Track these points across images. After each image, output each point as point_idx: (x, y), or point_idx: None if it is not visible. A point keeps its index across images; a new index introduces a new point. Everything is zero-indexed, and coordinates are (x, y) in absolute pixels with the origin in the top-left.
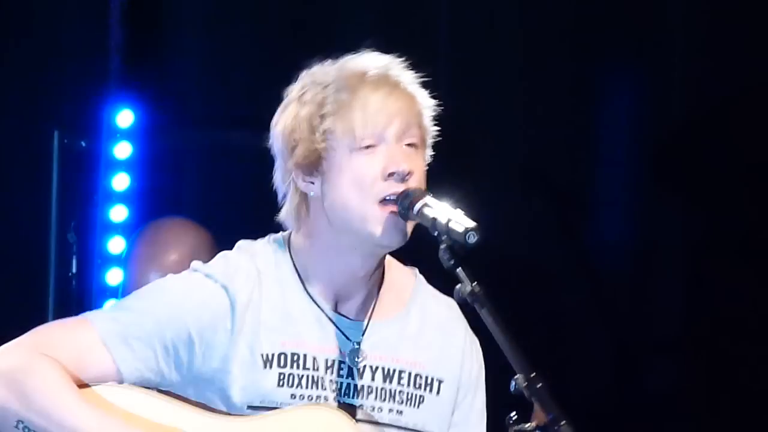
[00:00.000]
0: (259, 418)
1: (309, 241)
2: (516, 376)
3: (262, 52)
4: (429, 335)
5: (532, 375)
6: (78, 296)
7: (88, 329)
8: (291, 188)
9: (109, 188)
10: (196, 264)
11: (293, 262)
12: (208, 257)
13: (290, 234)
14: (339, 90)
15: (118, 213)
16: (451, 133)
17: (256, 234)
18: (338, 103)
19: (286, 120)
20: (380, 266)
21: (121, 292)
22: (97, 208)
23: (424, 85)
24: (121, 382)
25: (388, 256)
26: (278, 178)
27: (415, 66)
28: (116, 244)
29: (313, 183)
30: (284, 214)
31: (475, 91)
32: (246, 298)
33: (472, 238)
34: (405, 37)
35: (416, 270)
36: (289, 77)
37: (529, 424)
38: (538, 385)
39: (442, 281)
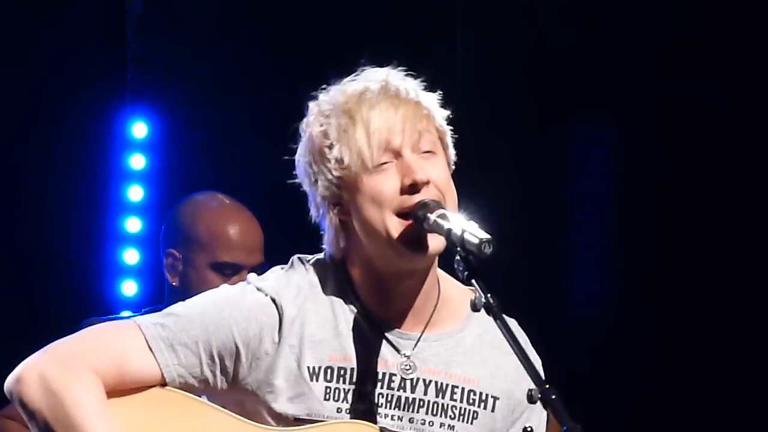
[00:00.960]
0: (300, 430)
1: (356, 263)
2: (531, 388)
3: (277, 60)
4: (485, 352)
5: (546, 386)
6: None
7: (135, 333)
8: (326, 220)
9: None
10: (251, 277)
11: (345, 276)
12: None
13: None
14: (339, 116)
15: (133, 224)
16: None
17: (274, 241)
18: (340, 130)
19: (303, 156)
20: (432, 281)
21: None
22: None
23: (428, 88)
24: (164, 386)
25: (444, 273)
26: (314, 213)
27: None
28: (131, 255)
29: (343, 211)
30: (327, 246)
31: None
32: (295, 311)
33: (487, 249)
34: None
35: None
36: (302, 85)
37: None
38: (553, 396)
39: None
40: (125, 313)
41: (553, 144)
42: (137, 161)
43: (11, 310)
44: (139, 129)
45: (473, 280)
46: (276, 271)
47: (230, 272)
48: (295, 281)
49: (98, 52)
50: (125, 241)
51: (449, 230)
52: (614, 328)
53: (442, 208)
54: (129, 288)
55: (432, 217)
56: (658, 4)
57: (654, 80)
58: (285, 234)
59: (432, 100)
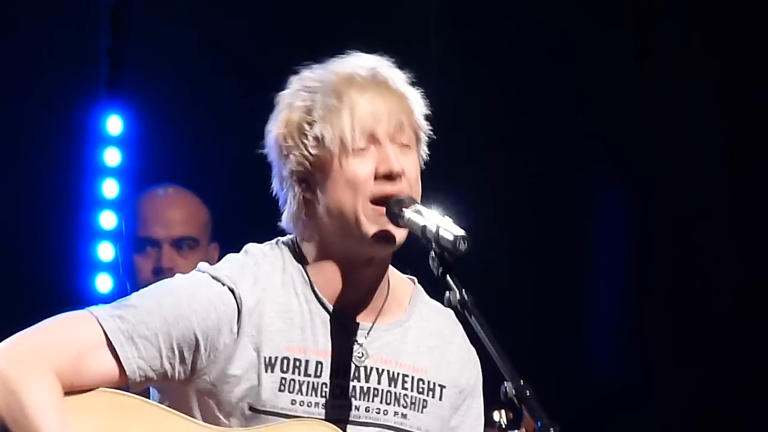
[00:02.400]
0: (253, 430)
1: (313, 246)
2: (505, 383)
3: (256, 54)
4: (428, 342)
5: (521, 382)
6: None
7: (93, 326)
8: (289, 195)
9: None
10: (203, 265)
11: (300, 265)
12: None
13: (297, 238)
14: (326, 95)
15: (108, 220)
16: None
17: (251, 238)
18: (326, 108)
19: (278, 128)
20: (385, 274)
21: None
22: (88, 215)
23: (414, 84)
24: (123, 383)
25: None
26: (276, 185)
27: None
28: (105, 250)
29: (309, 189)
30: (286, 221)
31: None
32: (252, 301)
33: (462, 246)
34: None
35: (415, 279)
36: (282, 79)
37: (518, 431)
38: (528, 392)
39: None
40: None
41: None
42: (112, 156)
43: None
44: (115, 124)
45: (447, 277)
46: (230, 260)
47: (150, 247)
48: (251, 270)
49: (73, 46)
50: (100, 237)
51: (424, 227)
52: (629, 388)
53: (416, 203)
54: (104, 283)
55: (407, 213)
56: None
57: None
58: (261, 229)
59: (416, 96)
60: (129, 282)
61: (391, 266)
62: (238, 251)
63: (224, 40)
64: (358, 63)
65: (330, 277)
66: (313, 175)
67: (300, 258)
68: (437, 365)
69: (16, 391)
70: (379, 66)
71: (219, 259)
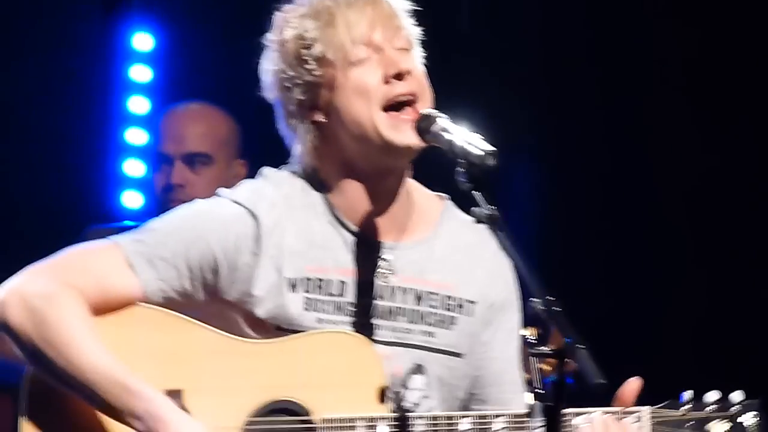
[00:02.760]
0: (280, 341)
1: (331, 167)
2: (533, 299)
3: None
4: (457, 258)
5: (549, 298)
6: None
7: (114, 251)
8: (300, 128)
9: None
10: (221, 190)
11: (320, 187)
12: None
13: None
14: (317, 15)
15: (135, 136)
16: None
17: (283, 155)
18: (320, 28)
19: (275, 64)
20: (405, 186)
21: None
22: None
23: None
24: (146, 302)
25: (414, 182)
26: (283, 125)
27: None
28: (133, 167)
29: (320, 112)
30: (299, 156)
31: None
32: (271, 222)
33: (491, 161)
34: None
35: (446, 196)
36: None
37: (547, 347)
38: (556, 309)
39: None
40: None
41: None
42: (141, 73)
43: (12, 220)
44: (144, 40)
45: (476, 192)
46: (247, 184)
47: (164, 164)
48: (269, 193)
49: None
50: (127, 152)
51: (451, 141)
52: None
53: (444, 119)
54: (131, 199)
55: (435, 128)
56: None
57: None
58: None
59: (403, 4)
60: (157, 203)
61: (418, 184)
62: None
63: None
64: None
65: (350, 195)
66: (323, 97)
67: (319, 181)
68: (466, 281)
69: (41, 310)
70: None
71: (247, 176)
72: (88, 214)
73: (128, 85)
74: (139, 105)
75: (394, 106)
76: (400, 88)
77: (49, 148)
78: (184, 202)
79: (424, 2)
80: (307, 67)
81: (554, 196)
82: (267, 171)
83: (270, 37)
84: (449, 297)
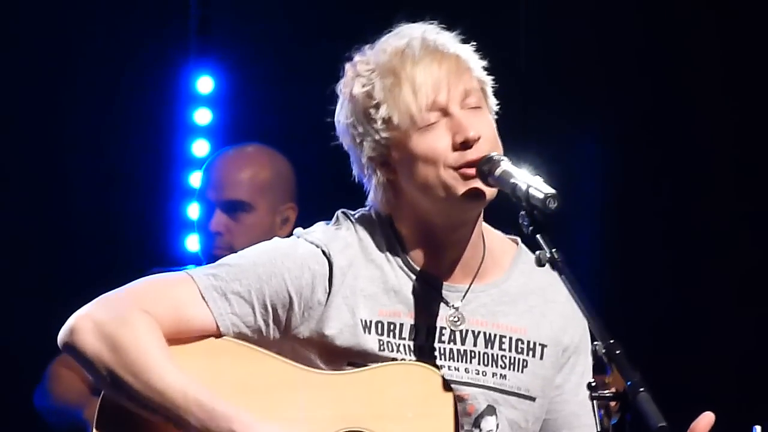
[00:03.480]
0: (353, 373)
1: (404, 218)
2: (595, 343)
3: (342, 14)
4: (530, 301)
5: (611, 341)
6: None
7: (188, 284)
8: (372, 181)
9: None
10: (297, 230)
11: (392, 231)
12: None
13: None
14: (383, 75)
15: (198, 180)
16: None
17: (337, 197)
18: (386, 89)
19: (345, 118)
20: (478, 232)
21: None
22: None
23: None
24: (219, 337)
25: (486, 225)
26: (357, 171)
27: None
28: (196, 210)
29: (391, 171)
30: (373, 203)
31: None
32: (345, 263)
33: (552, 204)
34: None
35: (518, 239)
36: (368, 38)
37: (609, 390)
38: (618, 351)
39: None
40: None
41: None
42: (203, 116)
43: (76, 264)
44: (205, 83)
45: (538, 236)
46: (321, 225)
47: (207, 209)
48: (342, 235)
49: (163, 8)
50: (190, 196)
51: (514, 185)
52: None
53: (506, 161)
54: (194, 243)
55: (497, 172)
56: None
57: None
58: (347, 190)
59: (470, 52)
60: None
61: (490, 227)
62: (326, 213)
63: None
64: (405, 35)
65: (422, 242)
66: (392, 157)
67: (392, 226)
68: (537, 324)
69: (115, 334)
70: (426, 32)
71: (295, 220)
72: (151, 258)
73: (191, 129)
74: (201, 148)
75: (462, 167)
76: (469, 156)
77: (114, 192)
78: (226, 249)
79: (482, 46)
80: (375, 127)
81: (617, 237)
82: (340, 213)
83: (341, 87)
84: (520, 340)
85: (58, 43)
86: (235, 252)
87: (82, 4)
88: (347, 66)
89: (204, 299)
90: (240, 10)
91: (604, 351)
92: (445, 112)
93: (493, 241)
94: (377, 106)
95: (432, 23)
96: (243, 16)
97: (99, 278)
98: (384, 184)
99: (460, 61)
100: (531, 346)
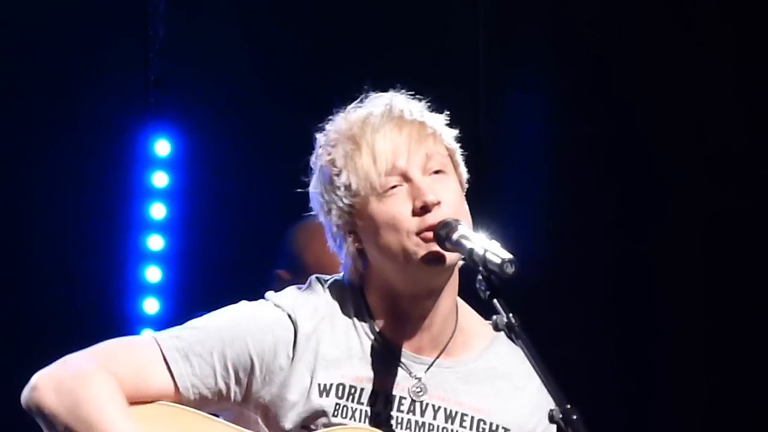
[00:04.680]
0: None
1: (373, 286)
2: (552, 408)
3: (301, 78)
4: (497, 385)
5: (568, 406)
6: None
7: (151, 345)
8: (342, 249)
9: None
10: (268, 294)
11: (362, 298)
12: None
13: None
14: (344, 142)
15: (155, 242)
16: None
17: None
18: (347, 157)
19: (314, 187)
20: (449, 306)
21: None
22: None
23: (437, 108)
24: (179, 400)
25: (465, 305)
26: (330, 241)
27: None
28: (153, 273)
29: (357, 239)
30: (345, 274)
31: None
32: (310, 328)
33: (509, 269)
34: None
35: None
36: (329, 103)
37: None
38: (575, 417)
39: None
40: (146, 332)
41: None
42: (160, 179)
43: (32, 327)
44: (162, 147)
45: (494, 300)
46: (293, 290)
47: None
48: (313, 300)
49: (121, 74)
50: (148, 259)
51: (471, 250)
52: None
53: (463, 226)
54: (151, 306)
55: (454, 236)
56: None
57: None
58: None
59: (438, 120)
60: None
61: (471, 310)
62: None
63: (269, 64)
64: (373, 103)
65: (389, 311)
66: (356, 225)
67: (362, 293)
68: (503, 408)
69: (74, 391)
70: (393, 100)
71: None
72: (108, 320)
73: (148, 192)
74: (158, 211)
75: (425, 231)
76: (429, 220)
77: (71, 254)
78: None
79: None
80: (338, 194)
81: (574, 309)
82: (314, 278)
83: (313, 158)
84: (482, 421)
85: (13, 103)
86: None
87: (36, 63)
88: (318, 136)
89: (165, 360)
90: (196, 72)
91: (561, 416)
92: (405, 178)
93: (469, 322)
94: (339, 173)
95: (401, 92)
96: (200, 78)
97: (55, 342)
98: (353, 254)
99: (423, 127)
100: (493, 428)
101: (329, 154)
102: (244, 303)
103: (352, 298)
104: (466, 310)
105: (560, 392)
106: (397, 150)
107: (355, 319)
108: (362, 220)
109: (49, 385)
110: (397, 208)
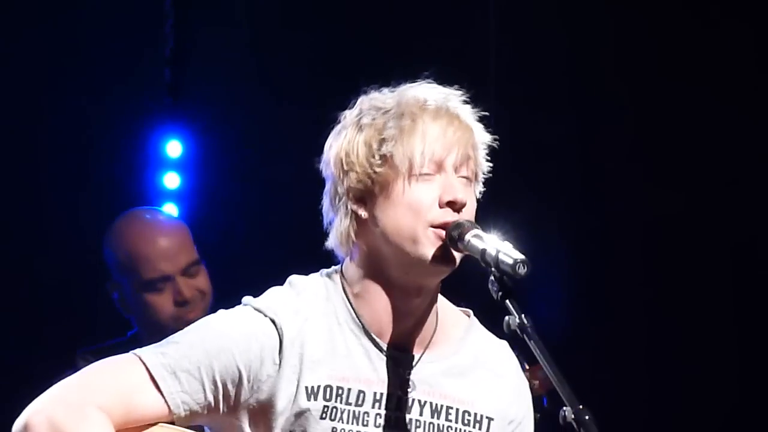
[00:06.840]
0: None
1: (360, 270)
2: (564, 408)
3: (313, 79)
4: (479, 374)
5: (580, 406)
6: None
7: (137, 365)
8: (341, 212)
9: None
10: (246, 298)
11: (344, 294)
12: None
13: (342, 266)
14: (400, 116)
15: None
16: None
17: (306, 265)
18: (399, 129)
19: (342, 143)
20: (433, 300)
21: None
22: None
23: (481, 120)
24: (171, 418)
25: (441, 298)
26: (326, 202)
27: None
28: None
29: (365, 208)
30: (332, 240)
31: None
32: (294, 331)
33: (522, 270)
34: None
35: (470, 312)
36: (339, 104)
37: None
38: (587, 417)
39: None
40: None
41: None
42: (172, 180)
43: (48, 332)
44: (174, 148)
45: (507, 301)
46: (273, 292)
47: (162, 286)
48: (293, 301)
49: (134, 76)
50: None
51: (483, 250)
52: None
53: (476, 227)
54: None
55: (467, 237)
56: None
57: None
58: (315, 253)
59: (483, 132)
60: (142, 321)
61: (443, 298)
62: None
63: (280, 67)
64: (431, 91)
65: (375, 306)
66: (373, 194)
67: (344, 287)
68: (485, 397)
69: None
70: (451, 97)
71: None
72: (123, 318)
73: (160, 193)
74: (170, 212)
75: (438, 226)
76: (449, 217)
77: (84, 256)
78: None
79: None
80: (372, 160)
81: (585, 304)
82: (293, 278)
83: (348, 114)
84: (467, 412)
85: (27, 105)
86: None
87: (50, 67)
88: (361, 98)
89: (153, 379)
90: (210, 75)
91: (573, 416)
92: (441, 170)
93: (446, 313)
94: (383, 142)
95: (459, 91)
96: (213, 80)
97: (64, 352)
98: (350, 219)
99: (471, 135)
100: (478, 418)
101: (374, 119)
102: (222, 312)
103: (335, 293)
104: (441, 301)
105: (572, 393)
106: (446, 144)
107: (338, 316)
108: (384, 193)
109: (43, 424)
110: (425, 194)
